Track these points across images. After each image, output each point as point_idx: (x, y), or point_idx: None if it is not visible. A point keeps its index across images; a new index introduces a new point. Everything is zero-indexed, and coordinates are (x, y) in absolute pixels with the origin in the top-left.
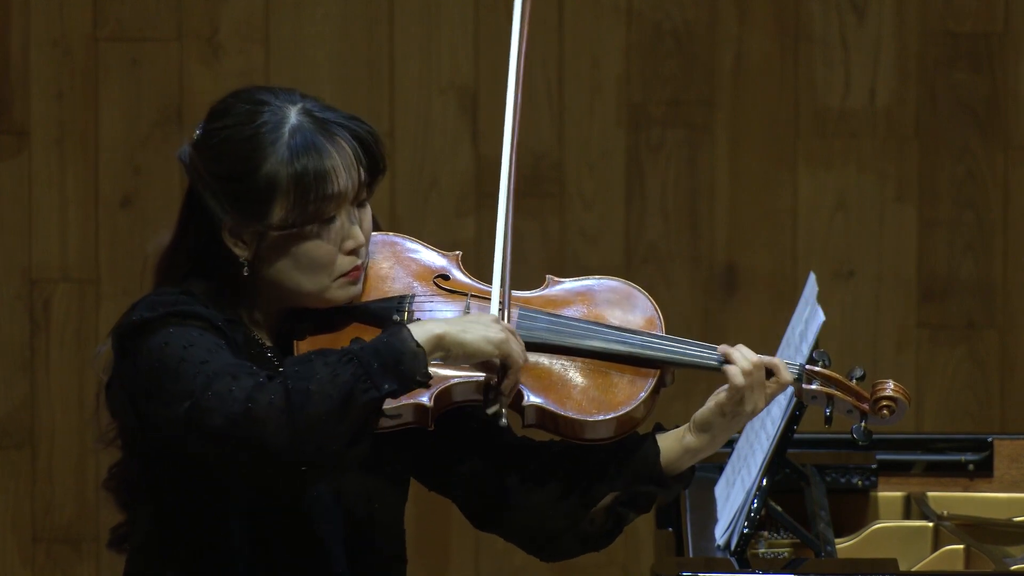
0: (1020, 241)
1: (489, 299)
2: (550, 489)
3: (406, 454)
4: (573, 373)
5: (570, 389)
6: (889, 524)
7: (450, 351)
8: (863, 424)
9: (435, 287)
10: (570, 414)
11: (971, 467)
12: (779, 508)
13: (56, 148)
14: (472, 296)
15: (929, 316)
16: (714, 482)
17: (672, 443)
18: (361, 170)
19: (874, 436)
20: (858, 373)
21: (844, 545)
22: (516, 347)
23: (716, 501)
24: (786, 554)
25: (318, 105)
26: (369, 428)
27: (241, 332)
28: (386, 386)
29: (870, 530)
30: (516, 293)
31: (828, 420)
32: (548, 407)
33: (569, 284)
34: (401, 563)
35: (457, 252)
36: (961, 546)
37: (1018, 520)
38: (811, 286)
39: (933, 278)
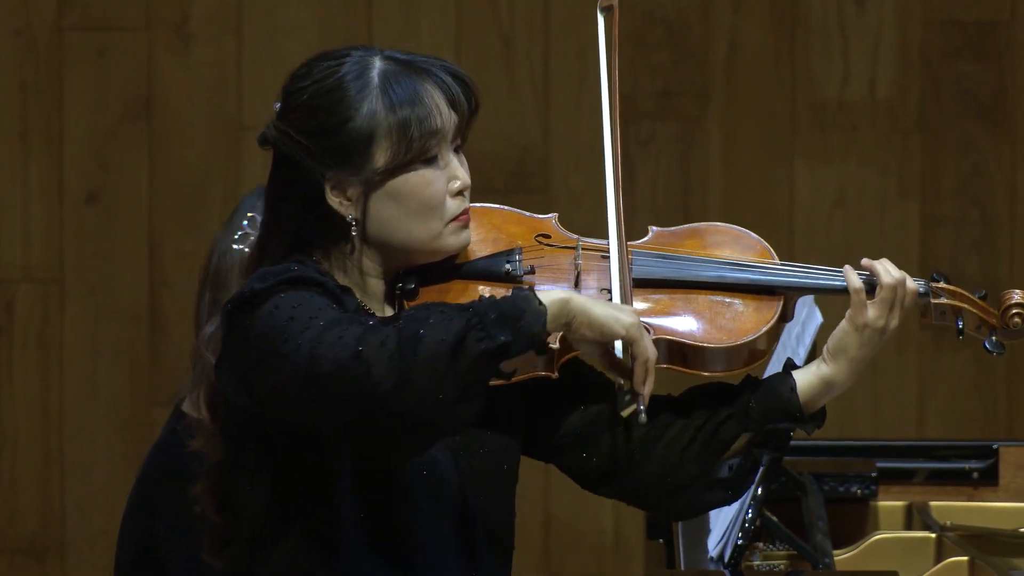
0: None
1: (598, 250)
2: (677, 435)
3: (518, 417)
4: (696, 306)
5: (696, 321)
6: (890, 535)
7: (575, 319)
8: (994, 337)
9: (539, 244)
10: (701, 343)
11: (976, 475)
12: (775, 518)
13: (19, 142)
14: (583, 246)
15: None
16: None
17: (807, 377)
18: (456, 108)
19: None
20: (981, 293)
21: (843, 557)
22: (647, 339)
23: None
24: (782, 566)
25: (399, 51)
26: (480, 383)
27: (354, 301)
28: (501, 337)
29: (870, 541)
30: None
31: (960, 333)
32: (677, 339)
33: (675, 229)
34: (509, 552)
35: (554, 213)
36: (965, 558)
37: None
38: None
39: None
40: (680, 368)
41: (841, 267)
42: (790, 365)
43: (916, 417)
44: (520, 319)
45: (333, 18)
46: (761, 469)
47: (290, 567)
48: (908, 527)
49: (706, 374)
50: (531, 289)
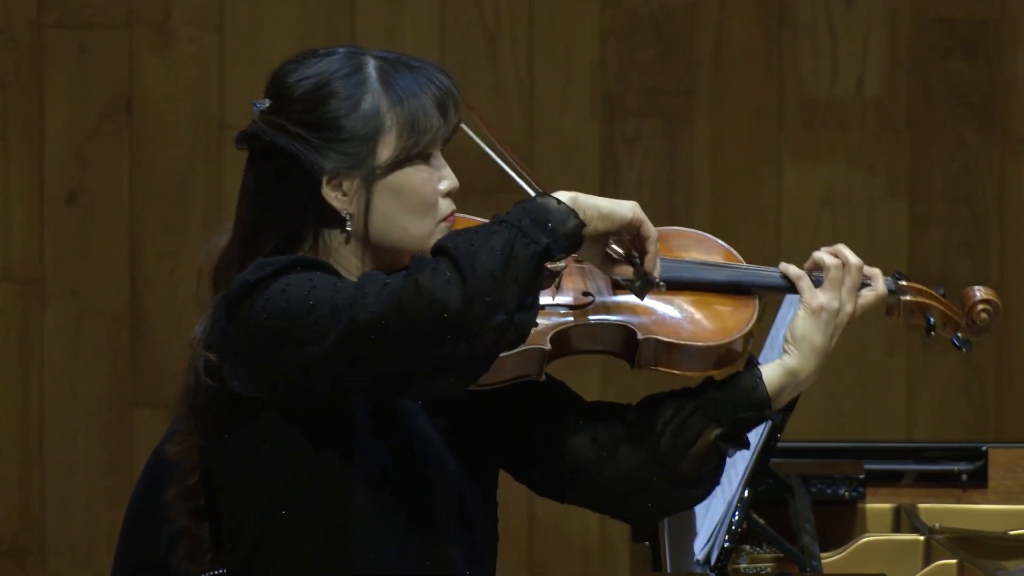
0: (1017, 239)
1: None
2: (642, 432)
3: (501, 421)
4: (677, 306)
5: (680, 321)
6: (878, 537)
7: (585, 213)
8: (960, 334)
9: None
10: (686, 342)
11: (964, 477)
12: (762, 521)
13: None
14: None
15: None
16: None
17: (772, 368)
18: (450, 110)
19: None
20: (939, 290)
21: (830, 560)
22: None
23: (695, 513)
24: (769, 569)
25: (382, 51)
26: (535, 289)
27: None
28: (544, 239)
29: (858, 544)
30: None
31: (930, 330)
32: (662, 339)
33: None
34: (495, 555)
35: None
36: (954, 561)
37: (1014, 533)
38: None
39: (925, 278)
40: (663, 368)
41: None
42: (753, 361)
43: (905, 419)
44: (549, 220)
45: (316, 15)
46: (744, 476)
47: (299, 563)
48: (896, 529)
49: (689, 374)
50: (544, 193)
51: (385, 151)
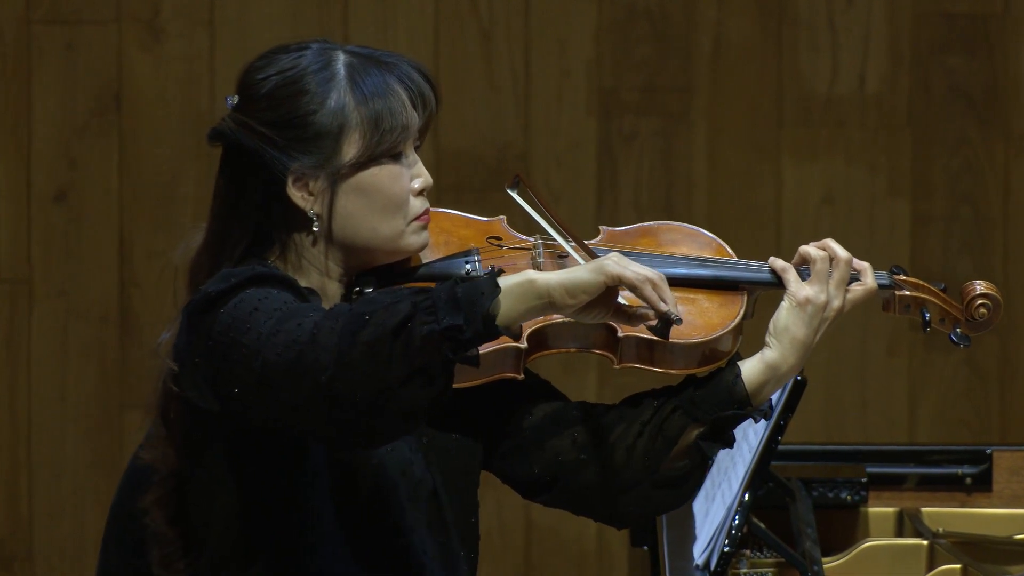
0: (1021, 239)
1: (556, 247)
2: (622, 433)
3: (480, 421)
4: None
5: None
6: (880, 542)
7: (552, 295)
8: (959, 329)
9: (492, 246)
10: (671, 339)
11: (968, 481)
12: (762, 525)
13: None
14: (540, 239)
15: None
16: None
17: (751, 363)
18: (422, 106)
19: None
20: (940, 285)
21: (832, 565)
22: (632, 266)
23: (695, 517)
24: (770, 574)
25: (358, 47)
26: (431, 368)
27: (318, 301)
28: (447, 320)
29: (860, 548)
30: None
31: (926, 326)
32: (645, 336)
33: (626, 228)
34: (476, 558)
35: (502, 216)
36: (958, 566)
37: (1019, 537)
38: None
39: (927, 277)
40: (647, 366)
41: None
42: (735, 357)
43: (907, 420)
44: (473, 302)
45: (307, 11)
46: (744, 479)
47: (263, 573)
48: (899, 534)
49: (673, 372)
50: (499, 271)
51: (351, 150)
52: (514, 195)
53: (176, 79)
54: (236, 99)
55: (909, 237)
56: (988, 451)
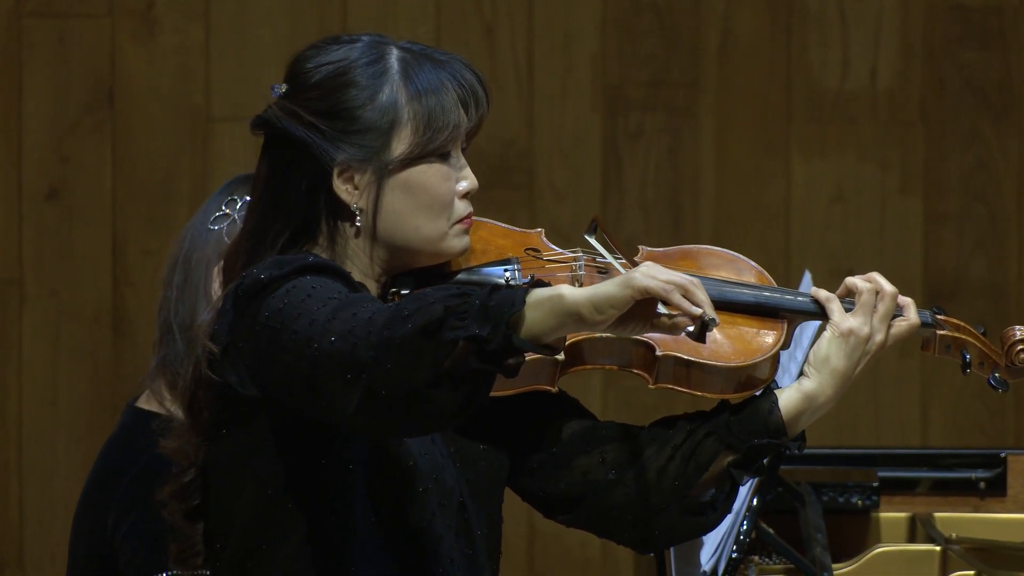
0: None
1: (597, 262)
2: (654, 455)
3: (510, 433)
4: None
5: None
6: (892, 548)
7: (581, 311)
8: (997, 374)
9: (531, 257)
10: (709, 361)
11: (982, 485)
12: (771, 530)
13: None
14: (584, 252)
15: None
16: None
17: (788, 393)
18: (474, 108)
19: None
20: (980, 329)
21: (843, 571)
22: (662, 275)
23: None
24: None
25: (409, 42)
26: (461, 374)
27: (368, 293)
28: (475, 329)
29: (871, 554)
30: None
31: (966, 367)
32: (684, 356)
33: (666, 249)
34: (498, 569)
35: (540, 228)
36: (971, 572)
37: None
38: (806, 286)
39: (940, 277)
40: (683, 388)
41: (840, 268)
42: (771, 385)
43: (919, 424)
44: (504, 313)
45: (305, 5)
46: (752, 483)
47: (286, 572)
48: (911, 539)
49: (709, 395)
50: (539, 281)
51: (400, 146)
52: (591, 240)
53: (171, 74)
54: (284, 88)
55: (921, 235)
56: (1002, 455)
